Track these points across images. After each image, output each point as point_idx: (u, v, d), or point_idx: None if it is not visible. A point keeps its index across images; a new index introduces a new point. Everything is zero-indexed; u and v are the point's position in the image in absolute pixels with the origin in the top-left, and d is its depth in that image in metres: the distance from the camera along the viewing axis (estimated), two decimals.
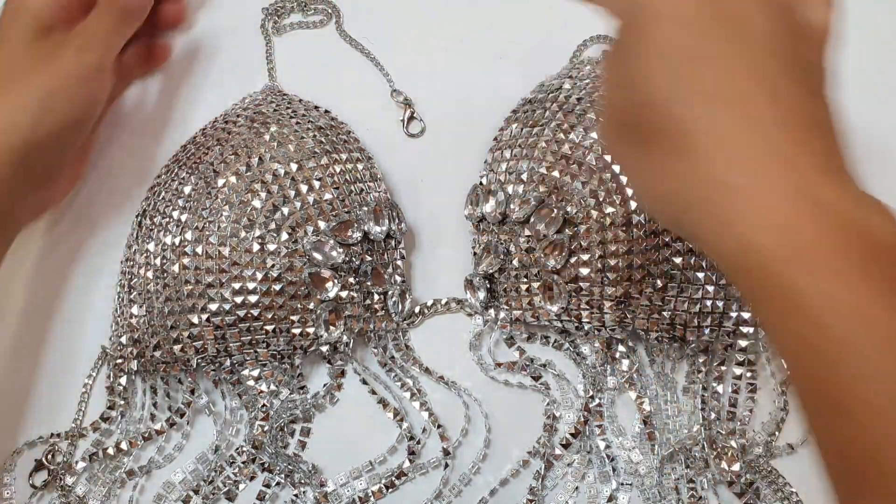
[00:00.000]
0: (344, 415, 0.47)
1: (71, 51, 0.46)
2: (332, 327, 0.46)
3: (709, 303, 0.45)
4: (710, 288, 0.45)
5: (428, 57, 0.59)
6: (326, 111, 0.52)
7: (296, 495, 0.44)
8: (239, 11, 0.61)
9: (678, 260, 0.44)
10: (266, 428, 0.45)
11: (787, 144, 0.29)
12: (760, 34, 0.31)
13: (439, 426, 0.46)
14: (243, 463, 0.45)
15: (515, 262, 0.47)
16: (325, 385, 0.47)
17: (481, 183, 0.49)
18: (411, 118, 0.56)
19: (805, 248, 0.27)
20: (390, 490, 0.44)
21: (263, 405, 0.46)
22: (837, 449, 0.28)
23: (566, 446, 0.45)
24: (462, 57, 0.59)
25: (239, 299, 0.44)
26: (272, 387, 0.46)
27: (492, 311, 0.48)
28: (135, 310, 0.46)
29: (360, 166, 0.49)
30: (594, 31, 0.60)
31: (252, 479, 0.45)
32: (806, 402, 0.29)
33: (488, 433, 0.46)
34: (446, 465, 0.45)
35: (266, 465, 0.45)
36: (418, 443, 0.45)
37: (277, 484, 0.44)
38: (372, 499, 0.44)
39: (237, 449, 0.45)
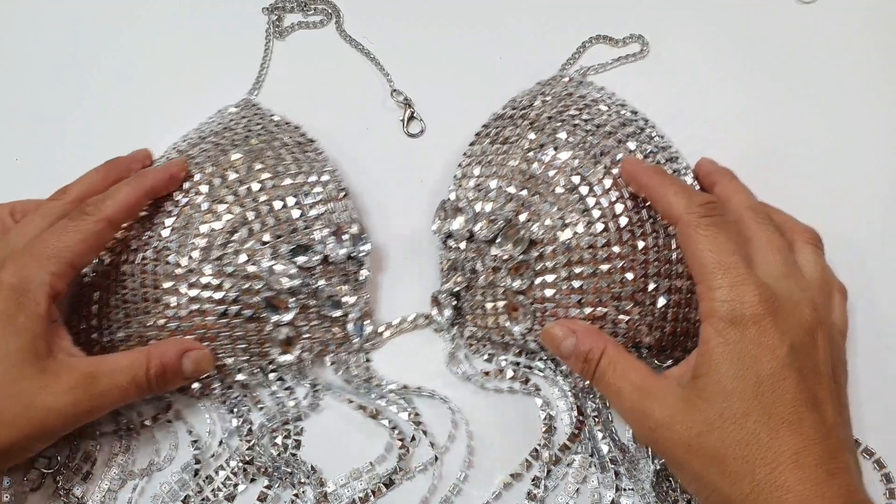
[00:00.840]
0: (335, 419, 0.47)
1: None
2: (288, 350, 0.46)
3: (668, 326, 0.45)
4: (670, 311, 0.45)
5: (428, 57, 0.59)
6: (297, 127, 0.52)
7: (296, 495, 0.44)
8: (237, 12, 0.61)
9: (643, 283, 0.44)
10: (252, 443, 0.45)
11: (834, 464, 0.36)
12: (820, 363, 0.39)
13: (424, 431, 0.45)
14: (241, 469, 0.45)
15: (482, 281, 0.46)
16: (304, 396, 0.47)
17: (449, 199, 0.49)
18: (411, 118, 0.56)
19: None
20: (389, 488, 0.44)
21: (246, 421, 0.46)
22: None
23: (565, 449, 0.45)
24: (462, 57, 0.59)
25: (197, 320, 0.44)
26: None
27: (457, 329, 0.48)
28: (94, 322, 0.46)
29: (327, 186, 0.48)
30: (594, 31, 0.60)
31: (253, 480, 0.45)
32: None
33: (471, 440, 0.46)
34: (433, 473, 0.45)
35: (264, 470, 0.45)
36: (413, 439, 0.45)
37: (278, 486, 0.44)
38: (372, 498, 0.44)
39: (227, 459, 0.45)
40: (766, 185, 0.51)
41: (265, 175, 0.47)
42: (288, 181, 0.47)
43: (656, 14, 0.61)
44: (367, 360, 0.48)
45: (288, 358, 0.46)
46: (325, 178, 0.48)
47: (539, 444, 0.45)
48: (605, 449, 0.45)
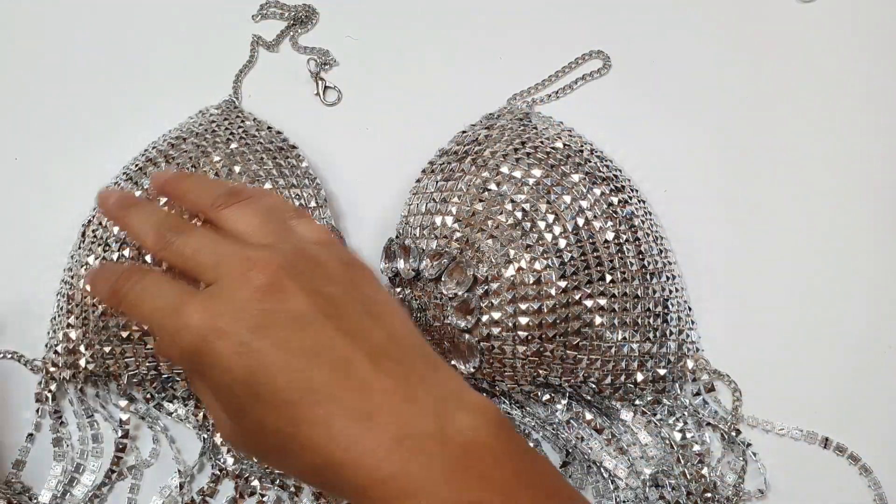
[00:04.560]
0: None
1: None
2: None
3: (623, 363, 0.44)
4: (624, 347, 0.44)
5: (428, 56, 0.58)
6: (279, 132, 0.52)
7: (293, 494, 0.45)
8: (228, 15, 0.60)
9: (589, 317, 0.44)
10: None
11: (375, 396, 0.31)
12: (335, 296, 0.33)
13: None
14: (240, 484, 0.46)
15: (430, 320, 0.46)
16: None
17: (395, 237, 0.49)
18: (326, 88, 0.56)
19: (419, 486, 0.29)
20: None
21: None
22: None
23: None
24: (462, 57, 0.57)
25: None
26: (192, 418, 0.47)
27: None
28: (72, 320, 0.47)
29: (305, 192, 0.48)
30: (592, 30, 0.58)
31: (252, 494, 0.46)
32: None
33: None
34: None
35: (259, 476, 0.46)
36: None
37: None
38: None
39: (221, 476, 0.46)
40: (759, 188, 0.51)
41: (244, 179, 0.47)
42: (268, 185, 0.47)
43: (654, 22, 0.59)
44: None
45: None
46: (305, 184, 0.49)
47: None
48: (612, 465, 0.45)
